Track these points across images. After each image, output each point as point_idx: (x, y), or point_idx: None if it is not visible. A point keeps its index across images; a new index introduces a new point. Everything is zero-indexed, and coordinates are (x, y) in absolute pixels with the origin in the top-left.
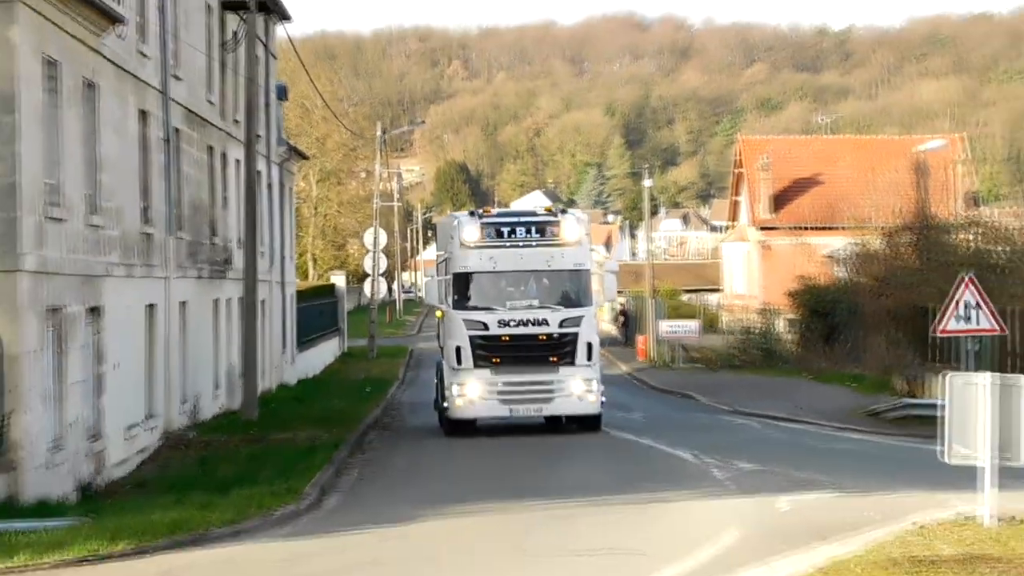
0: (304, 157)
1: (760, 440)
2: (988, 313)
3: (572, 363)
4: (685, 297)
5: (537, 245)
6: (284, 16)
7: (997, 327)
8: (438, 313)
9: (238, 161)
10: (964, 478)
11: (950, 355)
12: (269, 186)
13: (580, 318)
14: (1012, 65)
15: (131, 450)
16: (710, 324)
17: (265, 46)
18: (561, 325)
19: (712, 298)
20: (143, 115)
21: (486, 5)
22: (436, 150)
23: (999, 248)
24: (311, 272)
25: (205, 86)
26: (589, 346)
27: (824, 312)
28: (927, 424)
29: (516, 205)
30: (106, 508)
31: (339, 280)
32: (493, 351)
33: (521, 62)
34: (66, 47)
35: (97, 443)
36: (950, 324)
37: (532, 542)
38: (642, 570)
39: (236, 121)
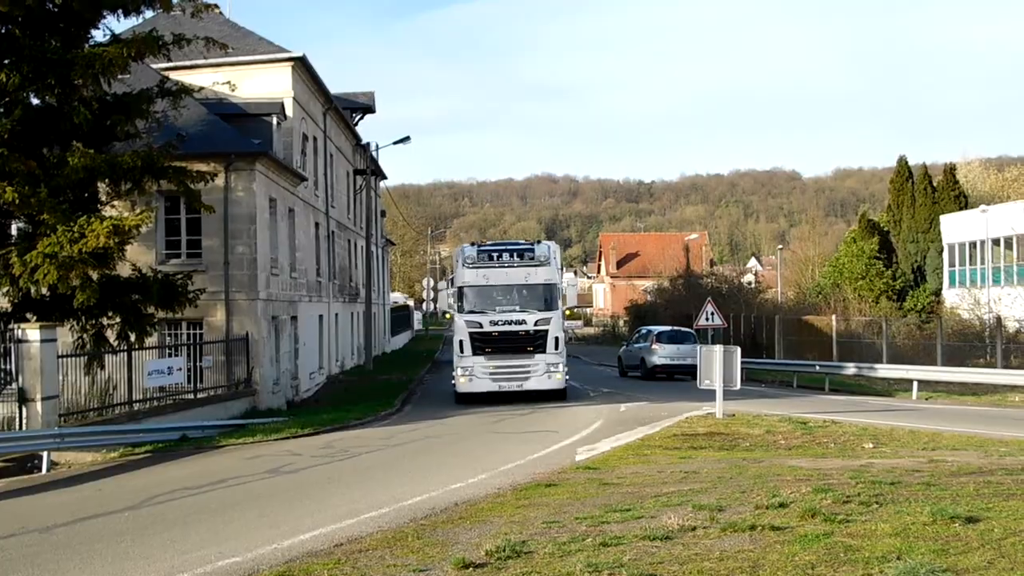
0: (393, 244)
1: (611, 379)
2: (719, 316)
3: (544, 351)
4: (576, 310)
5: (518, 266)
6: (383, 176)
7: (723, 323)
8: (447, 315)
9: (362, 247)
10: (707, 396)
11: (703, 338)
12: (377, 258)
13: (550, 319)
14: (736, 198)
15: (312, 384)
16: (587, 322)
17: (375, 190)
18: (536, 324)
19: (588, 310)
20: (317, 224)
21: (483, 168)
22: (457, 240)
23: (723, 285)
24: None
25: (347, 209)
26: (556, 339)
27: (641, 316)
28: (691, 371)
29: None
30: (299, 412)
31: (410, 302)
32: (486, 343)
33: (497, 198)
34: (279, 191)
35: (295, 381)
36: (701, 321)
37: (501, 427)
38: (557, 439)
39: (362, 227)
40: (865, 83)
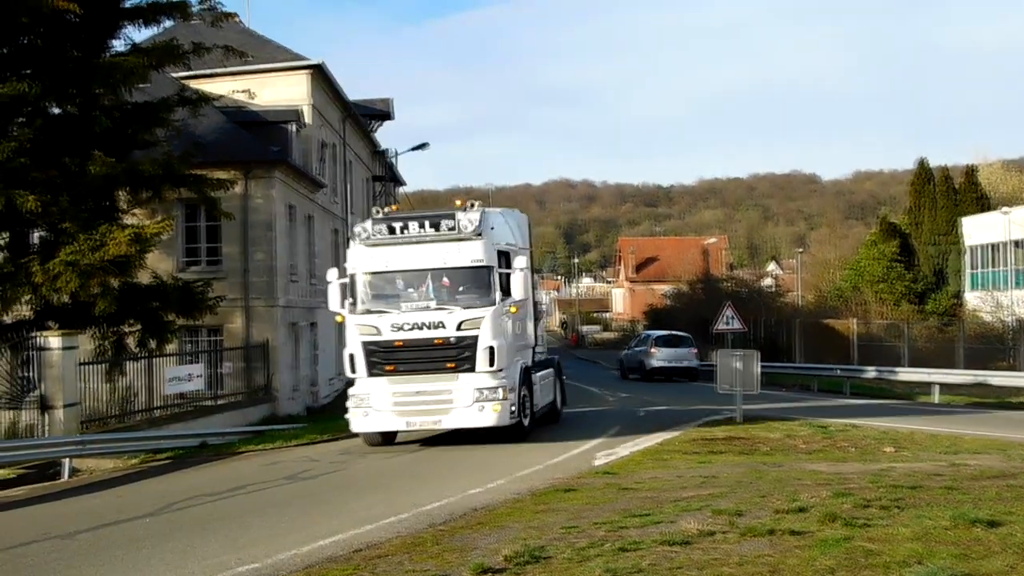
0: None
1: (631, 383)
2: (739, 320)
3: (471, 369)
4: (594, 315)
5: (432, 241)
6: (401, 183)
7: (742, 327)
8: (338, 318)
9: None
10: (727, 400)
11: (722, 341)
12: None
13: (480, 320)
14: (755, 202)
15: (330, 390)
16: (606, 327)
17: (393, 196)
18: (459, 328)
19: (607, 315)
20: (335, 231)
21: (500, 173)
22: None
23: (742, 289)
24: None
25: (364, 216)
26: (492, 350)
27: (660, 320)
28: (708, 375)
29: None
30: (318, 419)
31: None
32: (387, 358)
33: (514, 204)
34: (298, 198)
35: (314, 387)
36: (720, 325)
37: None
38: (579, 440)
39: None
40: (884, 85)
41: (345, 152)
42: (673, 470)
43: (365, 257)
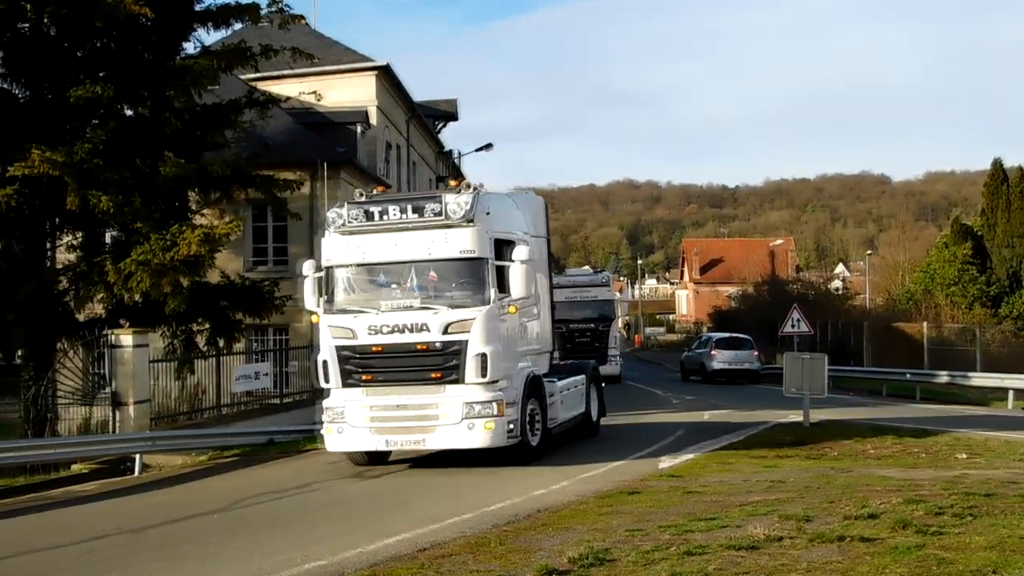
0: None
1: (695, 385)
2: (806, 323)
3: (458, 380)
4: (658, 316)
5: (415, 228)
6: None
7: (809, 330)
8: (313, 318)
9: None
10: (794, 404)
11: (788, 344)
12: None
13: (470, 321)
14: (823, 203)
15: None
16: (670, 329)
17: None
18: (446, 331)
19: (671, 316)
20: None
21: (564, 174)
22: None
23: (809, 292)
24: None
25: None
26: (483, 357)
27: (725, 322)
28: (774, 379)
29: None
30: None
31: None
32: (363, 365)
33: (578, 205)
34: None
35: None
36: (787, 328)
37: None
38: (641, 446)
39: None
40: (957, 83)
41: (410, 153)
42: (739, 474)
43: (339, 247)
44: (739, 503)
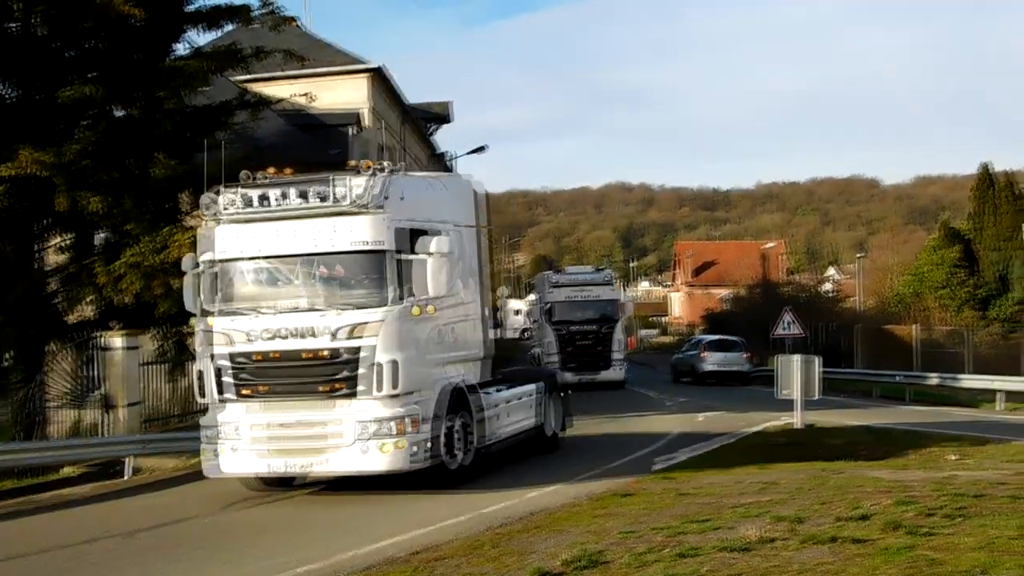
0: None
1: (686, 387)
2: (798, 325)
3: (356, 393)
4: (651, 319)
5: (304, 216)
6: None
7: (801, 332)
8: (192, 321)
9: None
10: (786, 406)
11: (780, 347)
12: None
13: (368, 325)
14: (814, 206)
15: None
16: (664, 331)
17: None
18: (337, 336)
19: (664, 319)
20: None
21: (557, 176)
22: (531, 250)
23: (801, 294)
24: None
25: None
26: (383, 367)
27: (718, 324)
28: (767, 381)
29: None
30: None
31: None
32: (247, 377)
33: (572, 207)
34: None
35: None
36: (779, 330)
37: (598, 428)
38: (634, 448)
39: None
40: (947, 88)
41: (403, 155)
42: (732, 475)
43: (218, 239)
44: (732, 505)
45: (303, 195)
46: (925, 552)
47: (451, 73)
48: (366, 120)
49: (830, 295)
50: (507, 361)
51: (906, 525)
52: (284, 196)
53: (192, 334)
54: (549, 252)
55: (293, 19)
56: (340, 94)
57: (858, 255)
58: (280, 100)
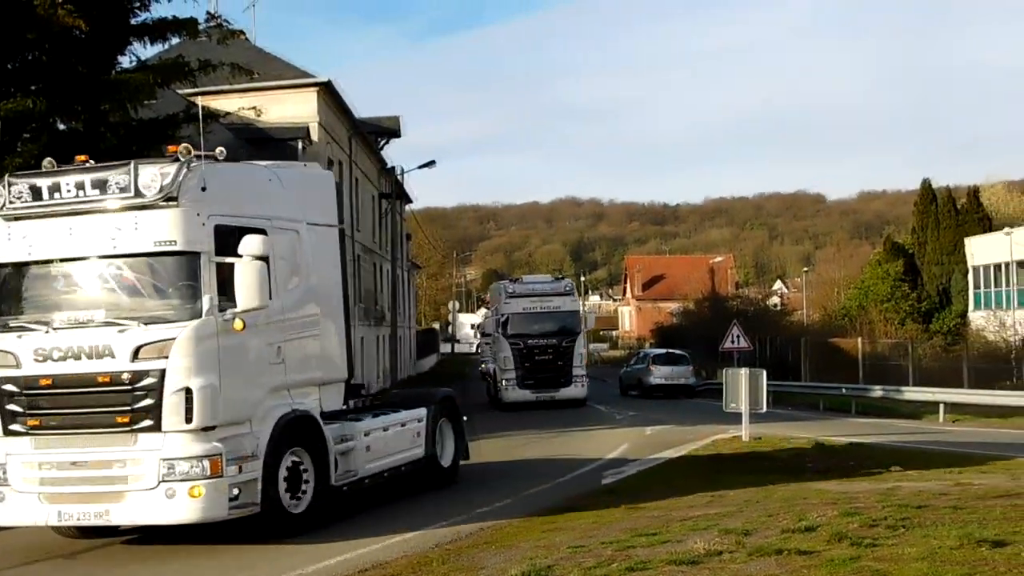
0: (419, 267)
1: (635, 400)
2: (745, 339)
3: (157, 427)
4: (602, 332)
5: (97, 210)
6: (409, 200)
7: (748, 345)
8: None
9: (388, 270)
10: (734, 418)
11: (728, 360)
12: (403, 281)
13: (169, 343)
14: (761, 221)
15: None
16: (614, 345)
17: (400, 215)
18: (136, 357)
19: (614, 333)
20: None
21: (508, 191)
22: (483, 264)
23: (749, 308)
24: (423, 321)
25: (372, 233)
26: (190, 394)
27: (668, 338)
28: (715, 394)
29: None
30: None
31: (435, 325)
32: (30, 405)
33: (522, 221)
34: None
35: None
36: (727, 344)
37: (528, 450)
38: (585, 460)
39: (387, 251)
40: (889, 106)
41: (352, 169)
42: (680, 489)
43: (4, 237)
44: (680, 518)
45: (100, 185)
46: (869, 563)
47: (399, 88)
48: (315, 134)
49: (777, 309)
50: (459, 379)
51: (851, 536)
52: (78, 187)
53: None
54: (500, 266)
55: (241, 32)
56: (289, 108)
57: (804, 269)
58: (228, 114)
